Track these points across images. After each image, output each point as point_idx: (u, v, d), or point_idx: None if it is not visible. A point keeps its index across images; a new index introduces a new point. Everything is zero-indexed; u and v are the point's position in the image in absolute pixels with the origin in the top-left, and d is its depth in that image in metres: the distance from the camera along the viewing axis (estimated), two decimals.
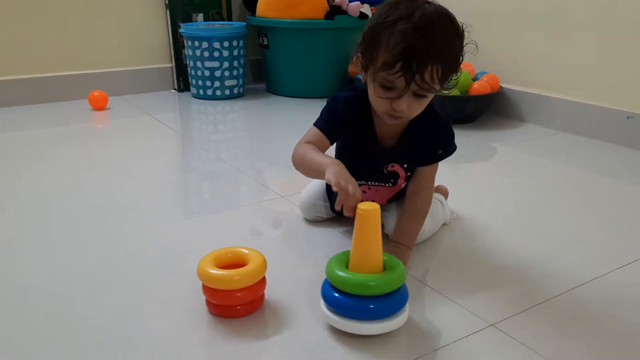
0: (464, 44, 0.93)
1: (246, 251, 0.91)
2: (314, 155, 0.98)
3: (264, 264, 0.88)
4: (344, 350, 0.80)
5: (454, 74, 0.94)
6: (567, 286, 0.97)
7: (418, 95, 0.92)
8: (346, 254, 0.86)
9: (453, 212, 1.24)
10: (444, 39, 0.88)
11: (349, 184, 0.86)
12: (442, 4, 0.93)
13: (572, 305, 0.92)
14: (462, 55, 0.93)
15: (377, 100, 0.94)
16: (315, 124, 1.05)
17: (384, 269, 0.83)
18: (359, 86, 1.03)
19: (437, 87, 0.91)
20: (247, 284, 0.85)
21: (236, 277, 0.84)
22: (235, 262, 0.90)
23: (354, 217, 0.83)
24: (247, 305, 0.87)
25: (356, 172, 1.07)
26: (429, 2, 0.91)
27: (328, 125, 1.03)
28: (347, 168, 1.08)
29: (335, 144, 1.10)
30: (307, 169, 1.00)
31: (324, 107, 1.05)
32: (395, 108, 0.92)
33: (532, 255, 1.08)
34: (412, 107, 0.93)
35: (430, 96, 0.95)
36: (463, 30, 0.92)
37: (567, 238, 1.16)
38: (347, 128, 1.04)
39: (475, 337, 0.84)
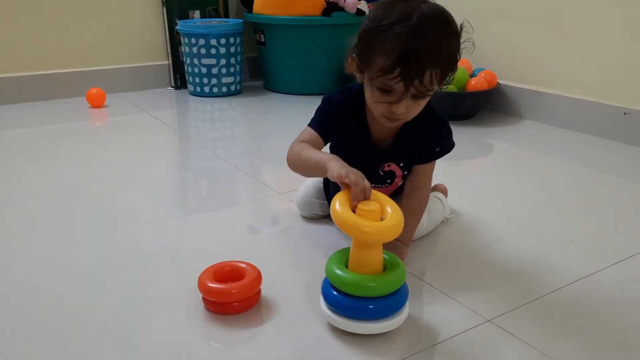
0: (461, 42, 0.92)
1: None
2: (310, 152, 0.98)
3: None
4: (342, 347, 0.80)
5: (452, 73, 0.93)
6: (564, 282, 0.97)
7: (417, 97, 0.91)
8: (345, 252, 0.86)
9: (453, 210, 1.24)
10: (441, 41, 0.87)
11: (358, 178, 0.85)
12: (439, 0, 0.93)
13: (569, 300, 0.92)
14: (459, 54, 0.93)
15: (375, 104, 0.94)
16: (310, 125, 1.05)
17: (384, 267, 0.83)
18: (353, 86, 1.02)
19: (436, 88, 0.91)
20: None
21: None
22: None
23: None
24: (243, 302, 0.88)
25: None
26: (424, 1, 0.89)
27: (321, 127, 1.04)
28: None
29: (328, 146, 1.11)
30: (304, 167, 1.00)
31: (318, 108, 1.05)
32: (394, 111, 0.91)
33: (529, 251, 1.08)
34: (410, 110, 0.93)
35: (429, 97, 0.94)
36: (460, 28, 0.92)
37: (564, 234, 1.16)
38: (340, 130, 1.04)
39: (472, 332, 0.84)
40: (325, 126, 1.03)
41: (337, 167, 0.88)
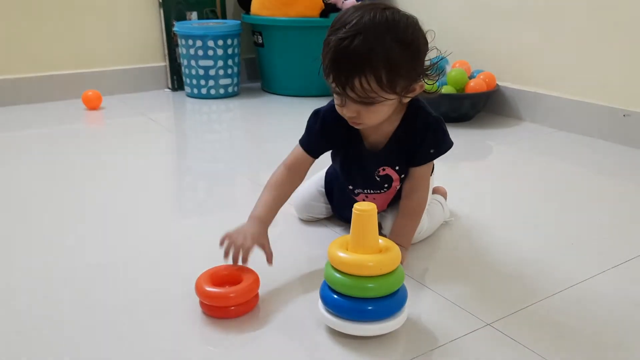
0: (425, 49, 0.91)
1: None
2: (263, 197, 1.03)
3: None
4: (341, 350, 0.80)
5: (408, 81, 0.91)
6: (563, 285, 0.96)
7: (364, 103, 0.90)
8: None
9: (452, 213, 1.23)
10: (371, 49, 0.85)
11: (238, 238, 0.92)
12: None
13: (569, 304, 0.92)
14: (412, 61, 0.89)
15: (336, 107, 0.96)
16: (300, 141, 1.06)
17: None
18: None
19: (384, 94, 0.88)
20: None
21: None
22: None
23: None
24: (241, 306, 0.87)
25: (350, 179, 1.08)
26: (375, 9, 0.88)
27: (309, 143, 1.05)
28: (340, 176, 1.08)
29: (330, 153, 1.10)
30: None
31: (306, 123, 1.06)
32: (345, 114, 0.93)
33: (529, 254, 1.08)
34: (362, 115, 0.92)
35: (389, 103, 0.92)
36: (416, 38, 0.89)
37: (563, 237, 1.15)
38: (331, 140, 1.04)
39: (471, 336, 0.83)
40: (312, 142, 1.04)
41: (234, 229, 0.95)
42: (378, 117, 0.94)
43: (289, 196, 1.06)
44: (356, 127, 0.97)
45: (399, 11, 0.90)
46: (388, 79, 0.87)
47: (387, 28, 0.87)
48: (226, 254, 0.92)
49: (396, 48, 0.87)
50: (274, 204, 1.02)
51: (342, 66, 0.87)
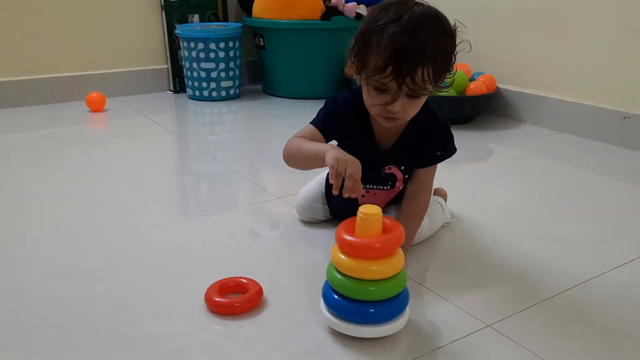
0: (457, 42, 0.94)
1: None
2: (310, 144, 0.99)
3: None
4: (343, 352, 0.80)
5: (447, 73, 0.95)
6: (563, 286, 0.97)
7: (412, 96, 0.92)
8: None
9: (453, 215, 1.23)
10: (433, 40, 0.89)
11: (346, 166, 0.87)
12: (439, 3, 0.94)
13: (569, 305, 0.92)
14: (454, 55, 0.94)
15: (371, 103, 0.95)
16: (312, 122, 1.05)
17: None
18: (356, 88, 1.03)
19: (431, 87, 0.92)
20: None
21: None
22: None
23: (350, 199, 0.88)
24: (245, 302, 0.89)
25: None
26: (418, 4, 0.91)
27: (324, 125, 1.04)
28: None
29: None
30: (302, 158, 1.00)
31: (322, 107, 1.06)
32: (390, 110, 0.93)
33: (529, 256, 1.08)
34: (406, 109, 0.94)
35: (425, 96, 0.95)
36: (455, 30, 0.93)
37: (564, 238, 1.16)
38: (344, 129, 1.04)
39: (472, 337, 0.84)
40: (328, 125, 1.04)
41: (331, 156, 0.89)
42: (415, 111, 0.96)
43: None
44: (390, 123, 0.97)
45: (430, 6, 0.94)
46: (442, 70, 0.92)
47: (439, 21, 0.91)
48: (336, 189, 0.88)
49: (446, 41, 0.92)
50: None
51: (406, 57, 0.87)
